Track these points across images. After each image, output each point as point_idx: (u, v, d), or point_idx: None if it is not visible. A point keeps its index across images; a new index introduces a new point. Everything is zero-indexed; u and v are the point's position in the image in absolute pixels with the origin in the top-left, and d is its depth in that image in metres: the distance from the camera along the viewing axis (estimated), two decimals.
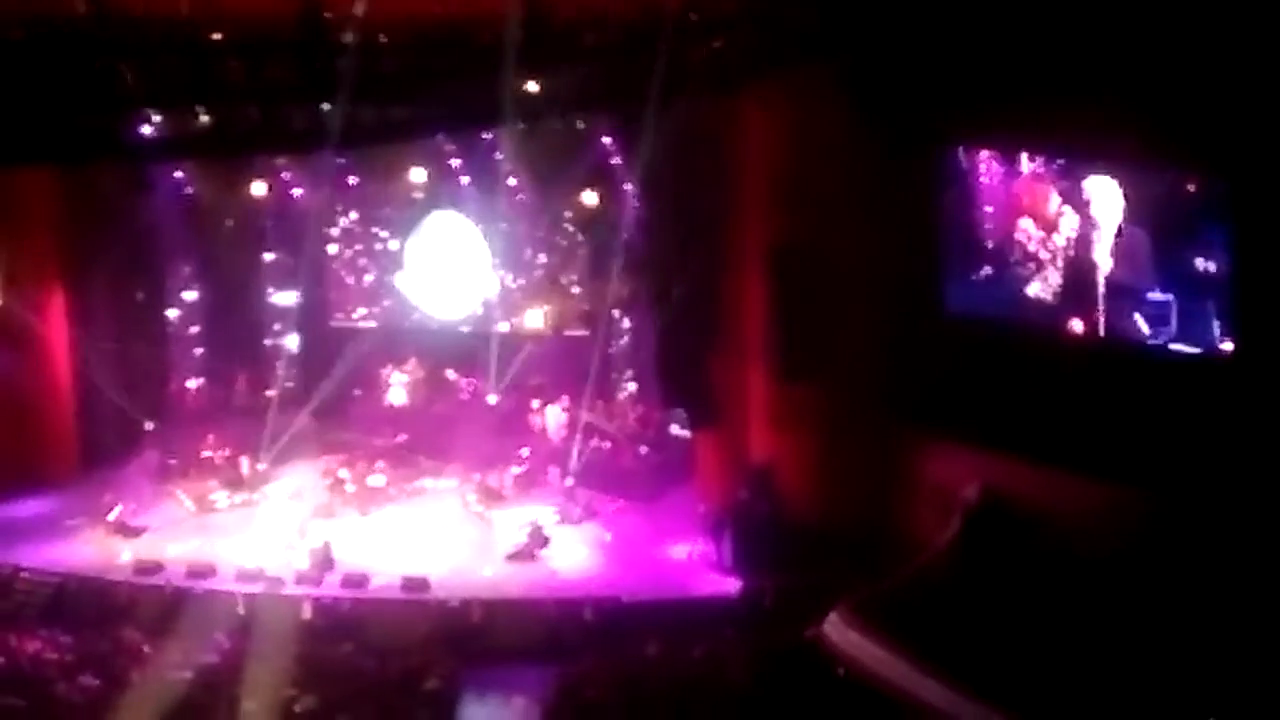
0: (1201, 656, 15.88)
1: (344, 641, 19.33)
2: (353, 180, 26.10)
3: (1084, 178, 18.82)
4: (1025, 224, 19.50)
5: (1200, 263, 17.70)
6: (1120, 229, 18.56)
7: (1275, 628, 15.93)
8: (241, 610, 20.17)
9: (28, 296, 23.77)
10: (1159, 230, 18.19)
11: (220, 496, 23.99)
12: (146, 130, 18.65)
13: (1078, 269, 19.10)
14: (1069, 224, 18.95)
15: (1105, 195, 18.63)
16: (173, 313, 26.43)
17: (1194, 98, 16.56)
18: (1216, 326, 17.77)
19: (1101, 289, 18.88)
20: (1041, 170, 19.31)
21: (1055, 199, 19.10)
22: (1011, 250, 19.72)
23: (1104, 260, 18.81)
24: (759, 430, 22.44)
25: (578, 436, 24.29)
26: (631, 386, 25.30)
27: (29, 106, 17.07)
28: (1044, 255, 19.33)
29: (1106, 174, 18.54)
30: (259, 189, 25.84)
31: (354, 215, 26.76)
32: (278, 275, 26.79)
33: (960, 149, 20.02)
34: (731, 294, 22.44)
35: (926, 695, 16.35)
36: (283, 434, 24.63)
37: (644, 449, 24.25)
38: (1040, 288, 19.56)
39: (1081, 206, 18.87)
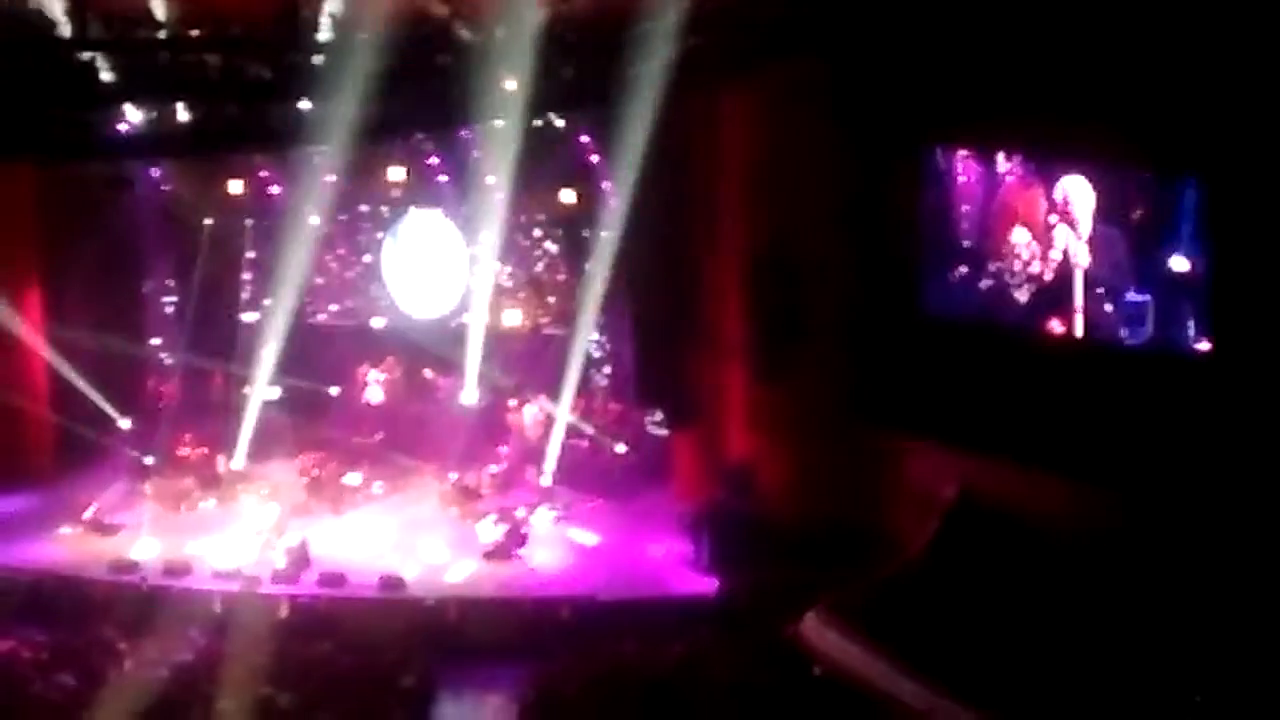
0: (1178, 656, 15.93)
1: (321, 640, 19.22)
2: (331, 178, 25.99)
3: (1059, 177, 18.86)
4: (1019, 235, 19.45)
5: (1176, 262, 17.76)
6: (1094, 228, 18.62)
7: (1250, 627, 15.98)
8: (218, 608, 20.06)
9: (4, 293, 23.63)
10: (1135, 230, 18.22)
11: (197, 494, 23.90)
12: (124, 127, 18.62)
13: (1058, 269, 19.15)
14: (1064, 233, 18.93)
15: (1080, 194, 18.69)
16: (150, 310, 26.33)
17: (1169, 97, 16.61)
18: (1193, 326, 17.84)
19: (1078, 288, 18.93)
20: (1020, 171, 19.35)
21: (1043, 205, 19.10)
22: (1000, 257, 19.68)
23: (1081, 259, 18.86)
24: (737, 429, 22.45)
25: (555, 435, 24.29)
26: (609, 385, 25.27)
27: (6, 102, 17.05)
28: (1036, 267, 19.33)
29: (1080, 173, 18.58)
30: (236, 187, 25.76)
31: (332, 213, 26.63)
32: (255, 273, 26.72)
33: (937, 148, 20.05)
34: (710, 293, 22.44)
35: (904, 695, 16.36)
36: (259, 432, 24.57)
37: (621, 448, 24.22)
38: (1026, 291, 19.59)
39: (1057, 206, 18.93)
